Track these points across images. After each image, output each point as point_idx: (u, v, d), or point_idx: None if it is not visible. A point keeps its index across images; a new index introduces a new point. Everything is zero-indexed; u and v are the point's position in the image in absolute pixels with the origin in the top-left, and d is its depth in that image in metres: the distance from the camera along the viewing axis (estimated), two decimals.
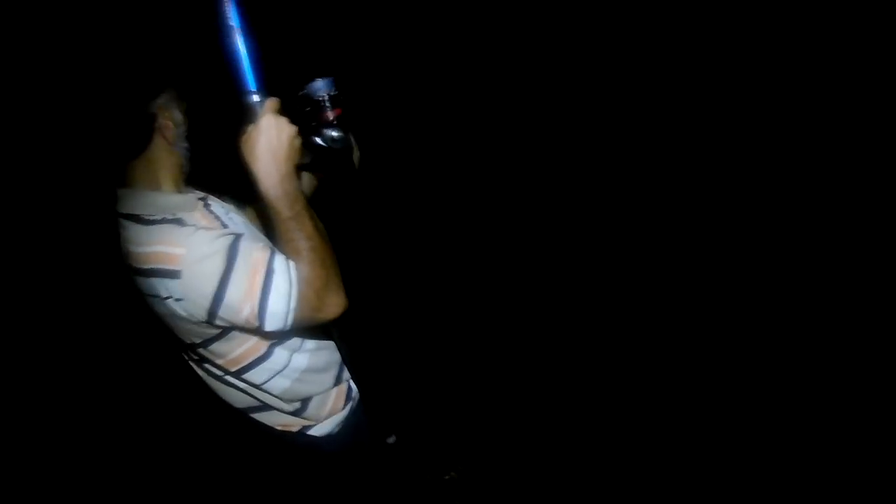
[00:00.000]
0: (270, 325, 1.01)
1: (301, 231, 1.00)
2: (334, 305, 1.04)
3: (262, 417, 1.25)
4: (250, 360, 1.12)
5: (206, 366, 1.17)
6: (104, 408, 2.68)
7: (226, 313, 0.99)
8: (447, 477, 2.10)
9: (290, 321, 1.02)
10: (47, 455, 2.53)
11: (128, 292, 1.13)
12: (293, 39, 2.79)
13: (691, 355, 2.32)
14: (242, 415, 1.26)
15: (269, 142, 0.97)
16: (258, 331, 1.03)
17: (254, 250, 1.00)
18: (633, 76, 3.53)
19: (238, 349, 1.10)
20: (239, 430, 1.35)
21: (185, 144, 1.08)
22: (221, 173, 1.16)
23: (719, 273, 2.62)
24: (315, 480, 1.34)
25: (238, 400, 1.24)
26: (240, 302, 0.98)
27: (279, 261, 1.00)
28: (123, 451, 2.48)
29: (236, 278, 0.97)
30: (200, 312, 0.99)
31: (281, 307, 1.00)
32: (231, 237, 1.00)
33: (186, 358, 1.23)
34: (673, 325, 2.48)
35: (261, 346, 1.12)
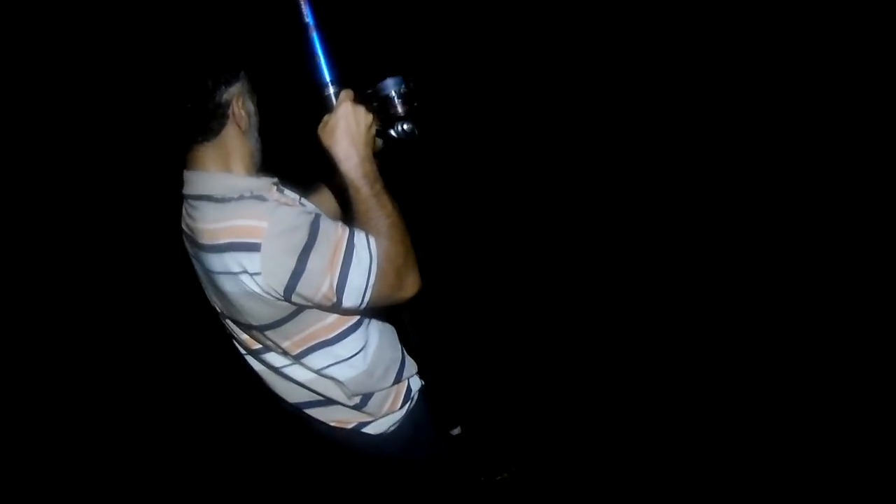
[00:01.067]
0: (348, 300, 1.01)
1: (382, 209, 1.03)
2: (412, 285, 1.06)
3: (318, 413, 1.24)
4: (316, 341, 1.11)
5: (266, 355, 1.17)
6: (149, 406, 2.75)
7: (304, 288, 0.99)
8: (499, 477, 2.07)
9: (367, 297, 1.02)
10: (87, 454, 2.59)
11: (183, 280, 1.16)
12: (363, 38, 2.87)
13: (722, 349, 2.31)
14: (297, 410, 1.26)
15: (349, 126, 1.03)
16: (334, 308, 1.03)
17: (335, 226, 1.01)
18: (634, 76, 3.60)
19: (307, 330, 1.09)
20: (290, 428, 1.36)
21: (257, 136, 1.10)
22: (290, 167, 1.20)
23: (723, 271, 2.63)
24: (364, 478, 1.34)
25: (294, 393, 1.23)
26: (321, 275, 0.98)
27: (360, 236, 1.02)
28: (169, 451, 2.52)
29: (319, 251, 0.98)
30: (277, 287, 0.99)
31: (361, 281, 1.00)
32: (312, 214, 1.01)
33: (243, 350, 1.24)
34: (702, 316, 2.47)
35: (330, 329, 1.11)
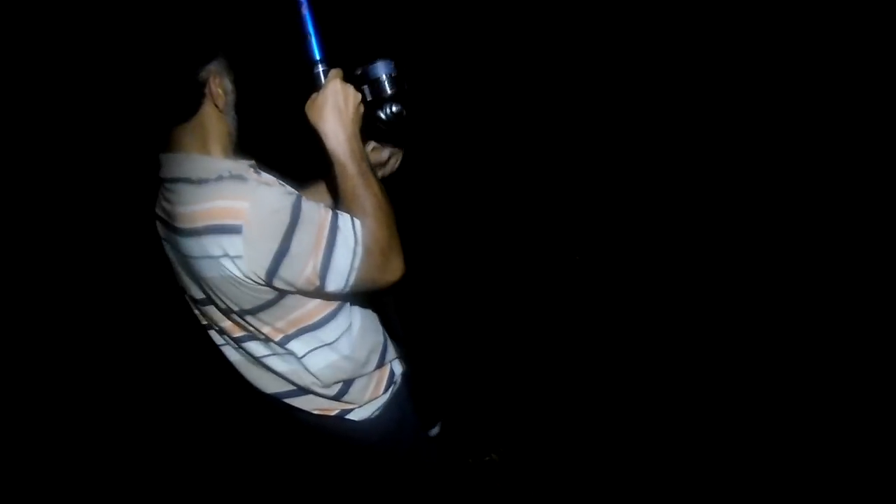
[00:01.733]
0: (332, 283, 0.99)
1: (368, 189, 1.02)
2: (396, 269, 1.04)
3: (299, 402, 1.23)
4: (298, 327, 1.09)
5: (246, 343, 1.14)
6: (123, 401, 2.63)
7: (286, 271, 0.96)
8: (487, 459, 2.07)
9: (351, 281, 1.00)
10: (56, 451, 2.47)
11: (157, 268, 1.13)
12: (355, 18, 2.83)
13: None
14: (275, 401, 1.24)
15: (337, 104, 1.02)
16: (317, 292, 1.01)
17: (318, 207, 0.99)
18: (634, 76, 3.59)
19: (288, 315, 1.07)
20: (269, 419, 1.34)
21: (234, 114, 1.07)
22: (268, 147, 1.19)
23: (723, 272, 2.64)
24: (352, 465, 1.33)
25: (273, 383, 1.21)
26: (304, 258, 0.96)
27: (344, 218, 1.00)
28: (145, 447, 2.42)
29: (302, 233, 0.95)
30: (259, 271, 0.96)
31: (345, 264, 0.99)
32: (294, 195, 0.99)
33: (220, 340, 1.21)
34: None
35: (312, 314, 1.09)
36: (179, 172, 1.01)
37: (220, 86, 1.03)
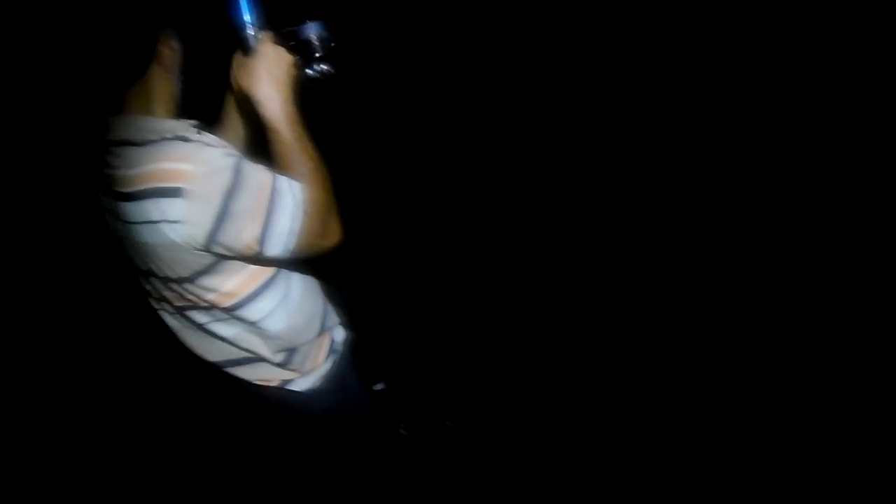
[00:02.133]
0: (273, 248, 0.99)
1: (304, 153, 1.01)
2: (335, 233, 1.05)
3: (241, 371, 1.22)
4: (242, 295, 1.07)
5: (188, 312, 1.12)
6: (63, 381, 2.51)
7: (226, 236, 0.95)
8: (445, 425, 2.08)
9: (292, 245, 1.00)
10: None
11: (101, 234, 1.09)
12: None
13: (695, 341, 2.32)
14: (217, 370, 1.23)
15: (269, 68, 1.00)
16: (256, 257, 1.01)
17: (259, 170, 0.98)
18: (634, 76, 3.51)
19: (229, 282, 1.05)
20: (212, 389, 1.31)
21: (179, 75, 1.05)
22: (210, 111, 1.17)
23: (720, 273, 2.59)
24: (295, 437, 1.33)
25: (216, 352, 1.20)
26: (244, 220, 0.95)
27: (284, 181, 1.00)
28: (86, 425, 2.32)
29: (243, 196, 0.94)
30: (199, 235, 0.94)
31: (286, 227, 0.98)
32: (237, 157, 0.97)
33: (161, 309, 1.19)
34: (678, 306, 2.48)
35: (253, 280, 1.08)
36: (123, 134, 0.98)
37: (167, 45, 1.00)
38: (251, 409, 1.34)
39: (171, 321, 1.20)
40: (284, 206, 0.98)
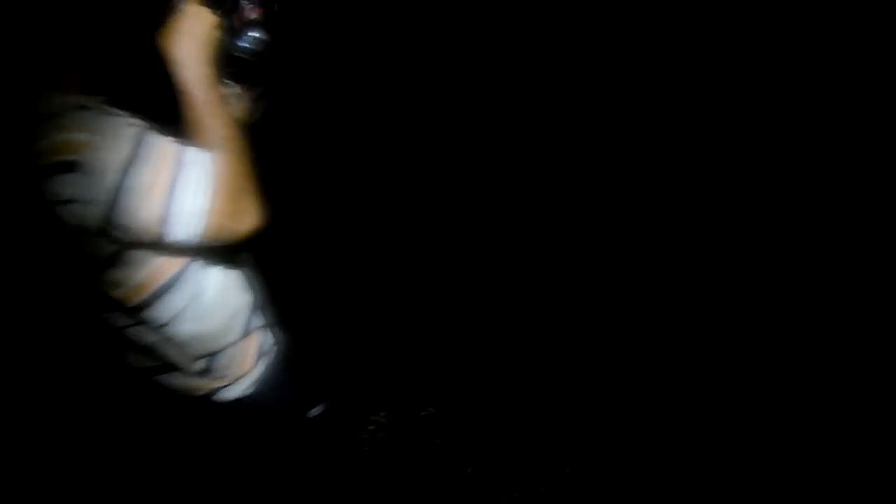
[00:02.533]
0: (177, 230, 0.87)
1: (217, 119, 0.91)
2: (251, 215, 0.93)
3: (164, 380, 1.10)
4: (150, 291, 0.97)
5: (107, 313, 1.03)
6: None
7: (123, 216, 0.84)
8: (424, 413, 2.02)
9: (200, 228, 0.88)
10: None
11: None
12: None
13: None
14: (143, 377, 1.11)
15: (191, 28, 0.91)
16: (161, 241, 0.89)
17: (164, 140, 0.88)
18: (634, 76, 3.43)
19: (136, 275, 0.95)
20: (140, 397, 1.18)
21: (92, 48, 0.95)
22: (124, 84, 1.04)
23: (720, 273, 2.58)
24: (226, 452, 1.19)
25: (138, 359, 1.09)
26: (143, 197, 0.84)
27: (192, 152, 0.89)
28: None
29: (142, 169, 0.84)
30: (95, 215, 0.84)
31: (191, 206, 0.87)
32: (140, 127, 0.88)
33: (87, 310, 1.08)
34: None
35: (161, 273, 0.97)
36: (33, 110, 0.89)
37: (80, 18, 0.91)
38: (185, 422, 1.20)
39: (98, 323, 1.09)
40: (190, 179, 0.87)
